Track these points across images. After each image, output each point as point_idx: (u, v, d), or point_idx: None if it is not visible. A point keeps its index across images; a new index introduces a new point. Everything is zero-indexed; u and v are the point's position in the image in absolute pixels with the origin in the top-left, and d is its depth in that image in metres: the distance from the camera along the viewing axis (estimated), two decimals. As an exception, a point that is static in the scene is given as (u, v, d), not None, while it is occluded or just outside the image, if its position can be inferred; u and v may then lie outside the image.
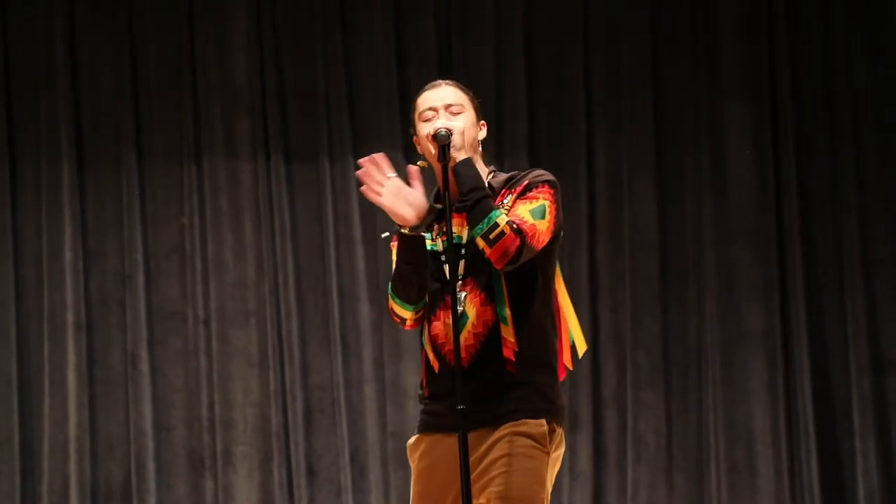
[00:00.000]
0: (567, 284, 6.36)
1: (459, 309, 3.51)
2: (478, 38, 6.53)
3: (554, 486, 6.31)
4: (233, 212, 6.43)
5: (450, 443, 3.49)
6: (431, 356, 3.58)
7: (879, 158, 6.54)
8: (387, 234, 3.70)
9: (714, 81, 6.56)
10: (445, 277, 3.56)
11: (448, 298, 3.50)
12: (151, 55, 6.46)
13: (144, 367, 6.33)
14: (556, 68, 6.57)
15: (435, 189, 3.70)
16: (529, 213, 3.53)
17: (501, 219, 3.47)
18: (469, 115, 3.63)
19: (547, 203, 3.55)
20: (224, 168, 6.43)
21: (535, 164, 6.52)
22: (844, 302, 6.44)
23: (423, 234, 3.54)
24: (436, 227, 3.63)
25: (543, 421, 3.53)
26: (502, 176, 3.66)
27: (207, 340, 6.36)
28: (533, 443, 3.50)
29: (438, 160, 3.51)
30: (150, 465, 6.30)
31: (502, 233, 3.45)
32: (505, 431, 3.50)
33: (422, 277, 3.57)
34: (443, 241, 3.59)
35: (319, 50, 6.47)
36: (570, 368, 3.72)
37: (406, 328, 3.72)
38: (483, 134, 3.69)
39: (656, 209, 6.53)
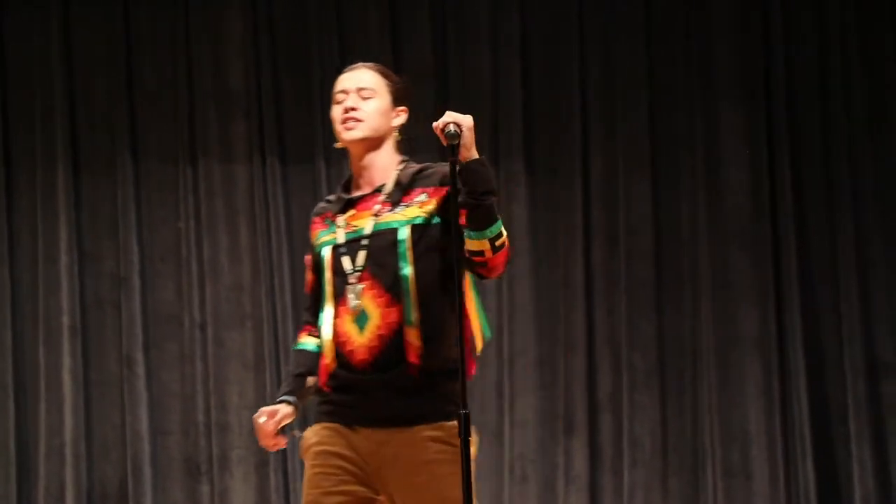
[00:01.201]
0: (562, 287, 6.47)
1: (356, 301, 3.47)
2: (473, 41, 6.52)
3: (550, 489, 6.33)
4: (228, 214, 6.42)
5: (370, 436, 3.47)
6: (330, 352, 3.51)
7: (875, 161, 6.55)
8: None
9: (708, 84, 6.57)
10: (343, 270, 3.51)
11: (347, 293, 3.49)
12: (146, 58, 6.45)
13: (140, 370, 6.32)
14: (550, 71, 6.57)
15: (346, 178, 3.65)
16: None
17: (502, 228, 3.44)
18: (381, 100, 3.61)
19: None
20: (219, 170, 6.42)
21: (531, 168, 6.55)
22: (840, 305, 6.45)
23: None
24: (338, 218, 3.58)
25: (456, 423, 3.42)
26: (411, 168, 3.61)
27: (203, 344, 6.35)
28: (448, 446, 3.44)
29: (450, 158, 3.39)
30: (147, 469, 6.29)
31: (504, 242, 3.43)
32: (420, 435, 3.46)
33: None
34: (346, 232, 3.54)
35: (315, 52, 6.47)
36: (475, 360, 3.63)
37: None
38: (401, 120, 3.65)
39: (651, 212, 6.53)
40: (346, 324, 3.47)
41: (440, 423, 3.46)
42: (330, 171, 6.43)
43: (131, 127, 6.41)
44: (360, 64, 3.70)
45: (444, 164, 3.56)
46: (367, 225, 3.53)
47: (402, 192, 3.56)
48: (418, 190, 3.55)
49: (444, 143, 3.41)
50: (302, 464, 6.28)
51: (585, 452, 6.40)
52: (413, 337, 3.44)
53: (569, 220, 6.51)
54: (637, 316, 6.49)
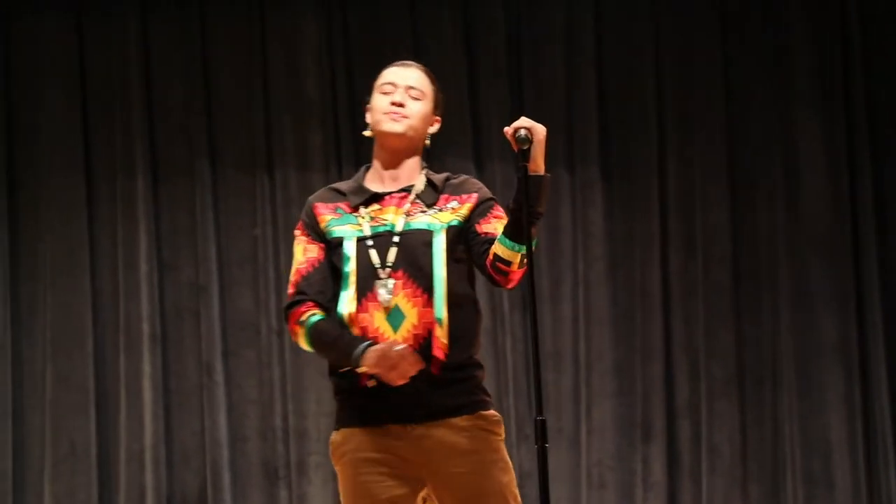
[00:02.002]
0: (639, 294, 6.43)
1: (388, 297, 3.42)
2: (548, 48, 6.52)
3: (628, 495, 6.30)
4: (305, 222, 6.44)
5: (407, 433, 3.42)
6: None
7: (957, 166, 6.47)
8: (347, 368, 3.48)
9: (787, 89, 6.52)
10: (371, 264, 3.46)
11: (377, 289, 3.42)
12: (223, 67, 6.50)
13: (219, 377, 6.37)
14: (626, 77, 6.55)
15: (361, 172, 3.62)
16: None
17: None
18: (426, 105, 3.60)
19: None
20: (296, 179, 6.46)
21: (607, 174, 6.53)
22: (922, 311, 6.37)
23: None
24: (363, 210, 3.53)
25: (494, 412, 3.48)
26: (438, 174, 3.60)
27: (280, 351, 6.39)
28: (493, 435, 3.46)
29: (519, 164, 3.37)
30: (225, 475, 6.33)
31: (525, 260, 3.39)
32: (459, 426, 3.44)
33: None
34: (371, 226, 3.49)
35: (389, 60, 6.46)
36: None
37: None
38: (434, 129, 3.64)
39: (729, 218, 6.49)
40: (376, 320, 3.43)
41: (477, 413, 3.47)
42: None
43: (209, 136, 6.47)
44: (411, 62, 3.69)
45: (468, 176, 3.60)
46: (397, 222, 3.50)
47: (434, 195, 3.55)
48: (449, 196, 3.55)
49: (515, 148, 3.40)
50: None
51: (664, 459, 6.36)
52: (441, 335, 3.43)
53: (645, 226, 6.48)
54: (715, 323, 6.44)
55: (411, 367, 3.35)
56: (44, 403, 6.34)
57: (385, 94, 3.61)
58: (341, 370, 3.46)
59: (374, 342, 3.39)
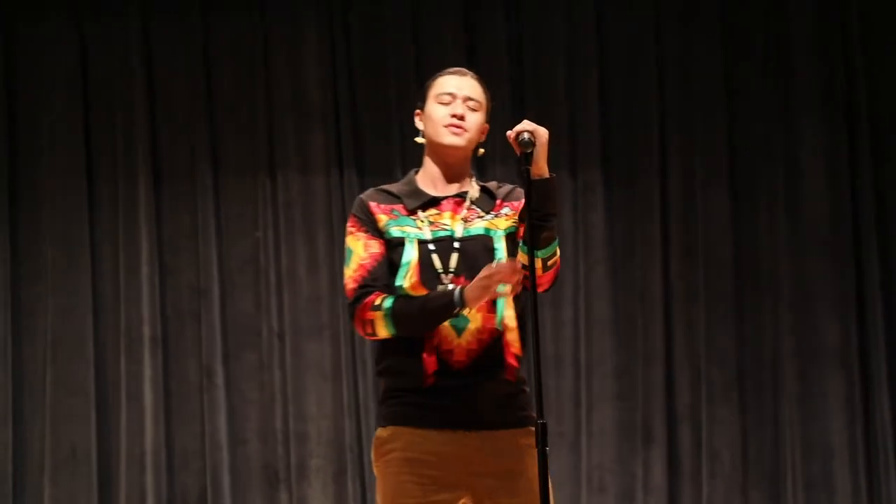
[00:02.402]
0: (640, 298, 6.43)
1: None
2: (550, 52, 6.52)
3: (628, 499, 6.31)
4: (306, 225, 6.46)
5: (458, 439, 3.43)
6: (429, 353, 3.44)
7: (958, 170, 6.47)
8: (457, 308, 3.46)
9: (788, 94, 6.52)
10: (434, 268, 3.47)
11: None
12: (225, 70, 6.51)
13: (219, 380, 6.37)
14: (628, 81, 6.55)
15: (413, 173, 3.63)
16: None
17: (557, 248, 3.45)
18: (482, 115, 3.59)
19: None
20: (297, 182, 6.47)
21: (608, 178, 6.54)
22: (923, 315, 6.38)
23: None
24: (421, 213, 3.53)
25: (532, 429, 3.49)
26: (490, 184, 3.62)
27: (281, 354, 6.39)
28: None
29: (520, 164, 3.40)
30: (226, 478, 6.33)
31: (556, 261, 3.44)
32: (513, 439, 3.46)
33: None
34: (431, 230, 3.50)
35: (391, 64, 6.50)
36: None
37: (366, 339, 3.63)
38: (483, 138, 3.63)
39: (730, 222, 6.49)
40: (450, 328, 3.44)
41: (526, 428, 3.48)
42: (407, 182, 6.44)
43: (210, 139, 6.48)
44: (467, 71, 3.65)
45: (514, 186, 3.61)
46: (456, 227, 3.51)
47: (490, 202, 3.56)
48: (503, 203, 3.57)
49: (518, 152, 3.42)
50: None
51: (664, 463, 6.36)
52: (513, 340, 3.45)
53: (647, 230, 6.48)
54: (716, 327, 6.44)
55: (511, 271, 3.34)
56: (44, 407, 6.34)
57: (443, 104, 3.57)
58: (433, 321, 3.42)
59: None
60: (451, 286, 3.43)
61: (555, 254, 3.43)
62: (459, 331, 3.44)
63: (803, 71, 6.52)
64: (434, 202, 3.54)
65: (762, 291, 6.48)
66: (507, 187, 3.61)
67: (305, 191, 6.47)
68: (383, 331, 3.46)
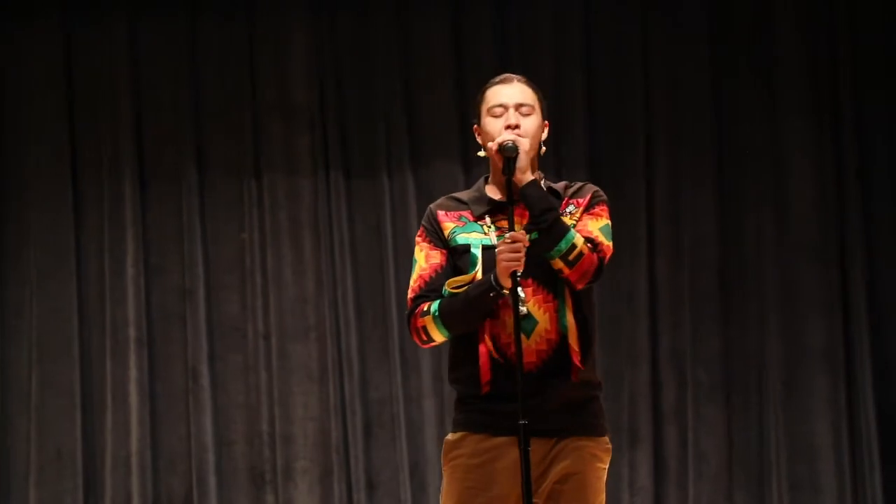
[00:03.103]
0: (626, 300, 6.44)
1: (523, 309, 3.45)
2: (536, 55, 6.53)
3: (614, 500, 6.31)
4: (292, 227, 6.46)
5: (514, 443, 3.42)
6: (492, 354, 3.47)
7: (943, 173, 6.49)
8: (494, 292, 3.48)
9: (774, 96, 6.53)
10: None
11: (508, 297, 3.43)
12: (211, 72, 6.51)
13: (205, 382, 6.37)
14: (614, 84, 6.56)
15: (482, 180, 3.65)
16: (599, 230, 3.53)
17: (578, 239, 3.44)
18: (536, 117, 3.59)
19: (609, 223, 3.56)
20: (283, 184, 6.47)
21: (594, 180, 6.50)
22: (908, 317, 6.39)
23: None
24: (487, 219, 3.56)
25: (607, 438, 3.55)
26: (559, 184, 3.63)
27: (267, 355, 6.39)
28: (601, 463, 3.52)
29: (503, 173, 3.47)
30: (211, 480, 6.33)
31: (581, 253, 3.44)
32: (575, 445, 3.48)
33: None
34: (497, 235, 3.52)
35: (378, 66, 6.50)
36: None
37: (424, 347, 3.65)
38: (545, 135, 3.64)
39: (716, 224, 6.50)
40: (508, 326, 3.44)
41: (596, 438, 3.52)
42: (393, 184, 6.45)
43: (197, 141, 6.47)
44: (513, 77, 3.65)
45: (584, 183, 3.63)
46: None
47: (556, 203, 3.55)
48: (568, 201, 3.58)
49: (500, 160, 3.48)
50: (365, 474, 6.33)
51: (650, 465, 6.37)
52: (574, 342, 3.46)
53: (633, 232, 6.49)
54: (702, 329, 6.45)
55: (512, 246, 3.38)
56: (29, 408, 6.34)
57: (496, 117, 3.58)
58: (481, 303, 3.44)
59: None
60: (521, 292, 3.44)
61: (572, 247, 3.42)
62: (528, 332, 3.45)
63: (789, 72, 6.53)
64: (500, 208, 3.55)
65: (748, 293, 6.49)
66: (576, 185, 3.63)
67: (291, 192, 6.47)
68: (437, 333, 3.52)
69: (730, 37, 6.55)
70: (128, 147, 6.43)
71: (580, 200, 3.57)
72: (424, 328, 3.51)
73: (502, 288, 3.41)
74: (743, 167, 6.54)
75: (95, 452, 6.35)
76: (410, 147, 6.49)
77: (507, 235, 3.42)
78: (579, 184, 3.64)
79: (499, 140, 3.47)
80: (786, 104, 6.52)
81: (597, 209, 3.57)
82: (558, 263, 3.43)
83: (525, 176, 3.45)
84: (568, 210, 3.55)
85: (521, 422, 3.34)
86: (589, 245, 3.46)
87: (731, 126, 6.54)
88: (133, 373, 6.34)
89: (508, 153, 3.44)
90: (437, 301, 3.51)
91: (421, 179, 6.47)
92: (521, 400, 3.36)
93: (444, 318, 3.49)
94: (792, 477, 6.35)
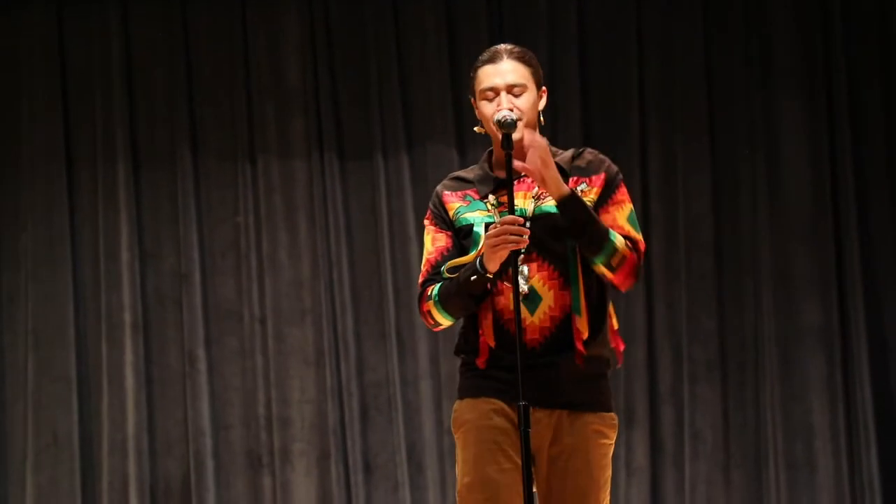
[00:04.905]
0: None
1: (524, 285, 3.44)
2: (530, 36, 6.51)
3: (611, 480, 6.32)
4: (287, 210, 6.45)
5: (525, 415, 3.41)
6: (489, 329, 3.48)
7: (938, 151, 6.49)
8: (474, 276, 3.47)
9: (769, 76, 6.52)
10: None
11: (510, 273, 3.42)
12: (205, 56, 6.49)
13: (202, 365, 6.37)
14: (608, 64, 6.55)
15: (486, 153, 3.64)
16: (629, 222, 3.50)
17: (619, 242, 3.42)
18: (530, 94, 3.55)
19: (632, 207, 3.54)
20: (278, 167, 6.46)
21: (588, 160, 6.53)
22: (903, 295, 6.40)
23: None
24: (491, 197, 3.55)
25: (614, 413, 3.55)
26: (564, 154, 3.58)
27: (264, 339, 6.39)
28: (605, 439, 3.52)
29: (502, 147, 3.44)
30: (209, 464, 6.33)
31: (624, 257, 3.43)
32: (581, 421, 3.48)
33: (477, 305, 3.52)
34: (500, 211, 3.51)
35: (372, 48, 6.49)
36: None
37: (436, 331, 3.66)
38: (543, 103, 3.60)
39: (711, 204, 6.50)
40: (512, 302, 3.42)
41: (601, 414, 3.52)
42: (388, 166, 6.44)
43: (191, 124, 6.46)
44: (503, 52, 3.58)
45: (593, 153, 3.59)
46: (528, 207, 3.51)
47: (563, 177, 3.50)
48: (579, 179, 3.54)
49: (499, 134, 3.45)
50: (362, 457, 6.33)
51: (646, 445, 6.38)
52: (581, 325, 3.45)
53: (627, 212, 6.48)
54: (698, 309, 6.45)
55: (506, 230, 3.36)
56: (26, 393, 6.34)
57: (489, 100, 3.55)
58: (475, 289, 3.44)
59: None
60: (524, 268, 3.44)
61: (614, 252, 3.40)
62: (532, 310, 3.45)
63: (784, 54, 6.52)
64: (504, 184, 3.51)
65: (743, 273, 6.50)
66: (585, 158, 3.58)
67: (286, 175, 6.46)
68: (441, 318, 3.54)
69: (724, 18, 6.54)
70: (121, 131, 6.42)
71: (593, 178, 3.53)
72: (430, 313, 3.53)
73: (486, 272, 3.40)
74: (737, 147, 6.53)
75: (92, 437, 6.36)
76: (405, 129, 6.48)
77: (497, 220, 3.41)
78: (588, 156, 3.59)
79: (499, 115, 3.45)
80: (780, 85, 6.51)
81: (618, 195, 3.53)
82: (601, 269, 3.43)
83: (561, 189, 3.40)
84: (580, 188, 3.51)
85: (521, 403, 3.34)
86: (629, 244, 3.44)
87: (726, 107, 6.54)
88: (129, 357, 6.34)
89: (507, 128, 3.42)
90: (439, 284, 3.51)
91: (416, 161, 6.46)
92: (520, 382, 3.34)
93: (442, 302, 3.51)
94: (788, 455, 6.36)
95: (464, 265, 3.48)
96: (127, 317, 6.35)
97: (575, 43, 6.52)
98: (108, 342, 6.35)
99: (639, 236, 3.50)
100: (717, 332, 6.45)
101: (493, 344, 3.48)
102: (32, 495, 6.28)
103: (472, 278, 3.41)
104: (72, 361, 6.34)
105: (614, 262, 3.42)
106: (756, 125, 6.50)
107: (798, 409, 6.39)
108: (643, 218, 6.48)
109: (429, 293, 3.52)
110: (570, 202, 3.41)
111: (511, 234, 3.34)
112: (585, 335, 3.45)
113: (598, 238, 3.41)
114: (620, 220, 3.49)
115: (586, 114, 6.53)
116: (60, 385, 6.32)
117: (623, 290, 3.49)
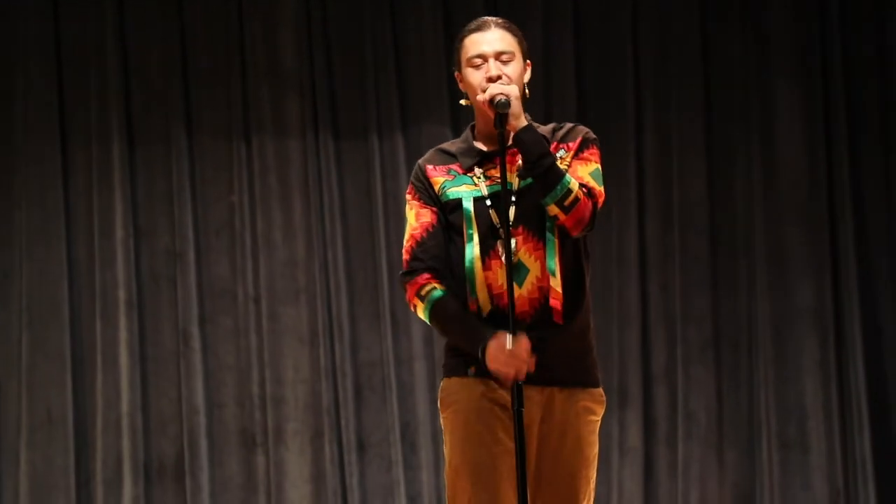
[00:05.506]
0: (616, 262, 6.45)
1: (511, 256, 3.43)
2: (526, 17, 6.50)
3: (604, 460, 6.32)
4: (282, 190, 6.44)
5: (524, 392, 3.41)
6: (485, 303, 3.47)
7: (933, 134, 6.49)
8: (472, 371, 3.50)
9: (765, 58, 6.52)
10: (492, 222, 3.47)
11: (500, 247, 3.43)
12: (200, 34, 6.48)
13: (196, 344, 6.37)
14: (604, 45, 6.55)
15: (469, 126, 3.62)
16: (591, 175, 3.48)
17: (573, 184, 3.41)
18: (517, 63, 3.53)
19: (599, 167, 3.52)
20: (273, 147, 6.45)
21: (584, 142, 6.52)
22: (896, 277, 6.41)
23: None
24: (477, 170, 3.53)
25: (601, 389, 3.56)
26: (546, 126, 3.58)
27: (258, 318, 6.39)
28: (593, 416, 3.52)
29: (496, 127, 3.43)
30: (203, 442, 6.34)
31: (577, 198, 3.41)
32: (569, 397, 3.48)
33: None
34: (487, 185, 3.50)
35: (367, 28, 6.48)
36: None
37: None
38: (528, 75, 3.58)
39: (706, 186, 6.50)
40: (500, 276, 3.43)
41: (590, 390, 3.52)
42: (383, 146, 6.44)
43: (185, 103, 6.45)
44: (490, 21, 3.57)
45: (574, 125, 3.57)
46: (513, 180, 3.49)
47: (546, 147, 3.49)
48: (558, 145, 3.53)
49: (492, 114, 3.43)
50: (356, 436, 6.34)
51: (640, 425, 6.39)
52: (557, 285, 3.44)
53: (623, 194, 6.49)
54: (692, 290, 6.47)
55: (524, 366, 3.37)
56: (20, 371, 6.33)
57: (476, 67, 3.52)
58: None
59: (493, 337, 3.40)
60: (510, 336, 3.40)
61: (567, 193, 3.39)
62: (520, 282, 3.45)
63: (779, 36, 6.52)
64: (489, 157, 3.52)
65: (738, 254, 6.51)
66: (565, 128, 3.57)
67: (281, 155, 6.45)
68: (422, 317, 3.53)
69: (720, 1, 6.54)
70: (116, 110, 6.40)
71: (570, 144, 3.52)
72: (416, 307, 3.52)
73: (482, 358, 3.40)
74: (732, 129, 6.53)
75: (86, 415, 6.36)
76: (400, 109, 6.47)
77: (517, 345, 3.36)
78: (568, 126, 3.58)
79: (489, 94, 3.42)
80: (776, 67, 6.51)
81: (586, 153, 3.51)
82: (554, 209, 3.40)
83: (518, 122, 3.41)
84: (559, 155, 3.50)
85: (519, 381, 3.35)
86: (584, 190, 3.42)
87: (722, 88, 6.54)
88: (123, 335, 6.34)
89: (501, 109, 3.40)
90: (437, 295, 3.48)
91: (411, 141, 6.46)
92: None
93: (432, 318, 3.50)
94: (781, 437, 6.38)
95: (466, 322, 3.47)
96: (121, 295, 6.35)
97: (570, 25, 6.51)
98: (103, 320, 6.35)
99: (598, 187, 3.48)
100: (711, 313, 6.46)
101: (491, 317, 3.47)
102: (26, 473, 6.29)
103: (467, 344, 3.43)
104: (66, 339, 6.34)
105: (567, 202, 3.38)
106: (752, 106, 6.51)
107: (791, 391, 6.40)
108: (638, 199, 6.48)
109: (422, 290, 3.50)
110: (526, 132, 3.40)
111: (521, 370, 3.36)
112: (559, 292, 3.43)
113: (553, 176, 3.38)
114: (581, 172, 3.48)
115: (581, 95, 6.52)
116: (54, 363, 6.32)
117: (574, 234, 3.44)
